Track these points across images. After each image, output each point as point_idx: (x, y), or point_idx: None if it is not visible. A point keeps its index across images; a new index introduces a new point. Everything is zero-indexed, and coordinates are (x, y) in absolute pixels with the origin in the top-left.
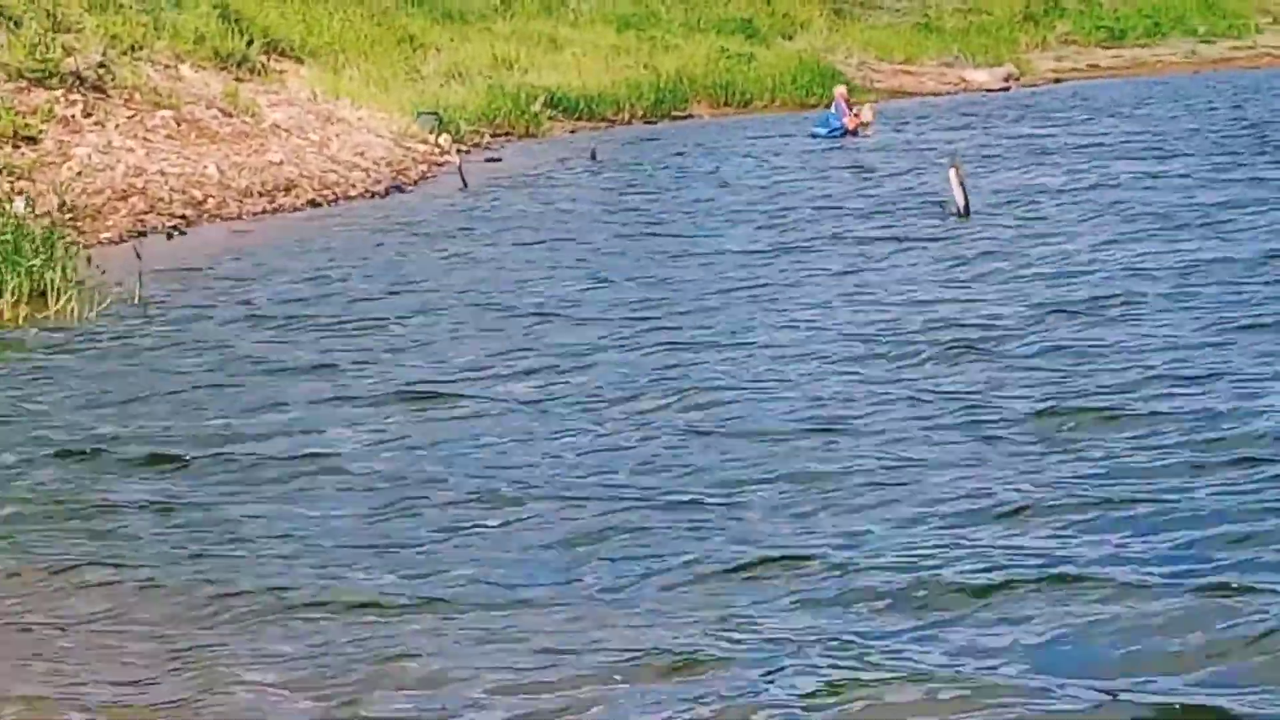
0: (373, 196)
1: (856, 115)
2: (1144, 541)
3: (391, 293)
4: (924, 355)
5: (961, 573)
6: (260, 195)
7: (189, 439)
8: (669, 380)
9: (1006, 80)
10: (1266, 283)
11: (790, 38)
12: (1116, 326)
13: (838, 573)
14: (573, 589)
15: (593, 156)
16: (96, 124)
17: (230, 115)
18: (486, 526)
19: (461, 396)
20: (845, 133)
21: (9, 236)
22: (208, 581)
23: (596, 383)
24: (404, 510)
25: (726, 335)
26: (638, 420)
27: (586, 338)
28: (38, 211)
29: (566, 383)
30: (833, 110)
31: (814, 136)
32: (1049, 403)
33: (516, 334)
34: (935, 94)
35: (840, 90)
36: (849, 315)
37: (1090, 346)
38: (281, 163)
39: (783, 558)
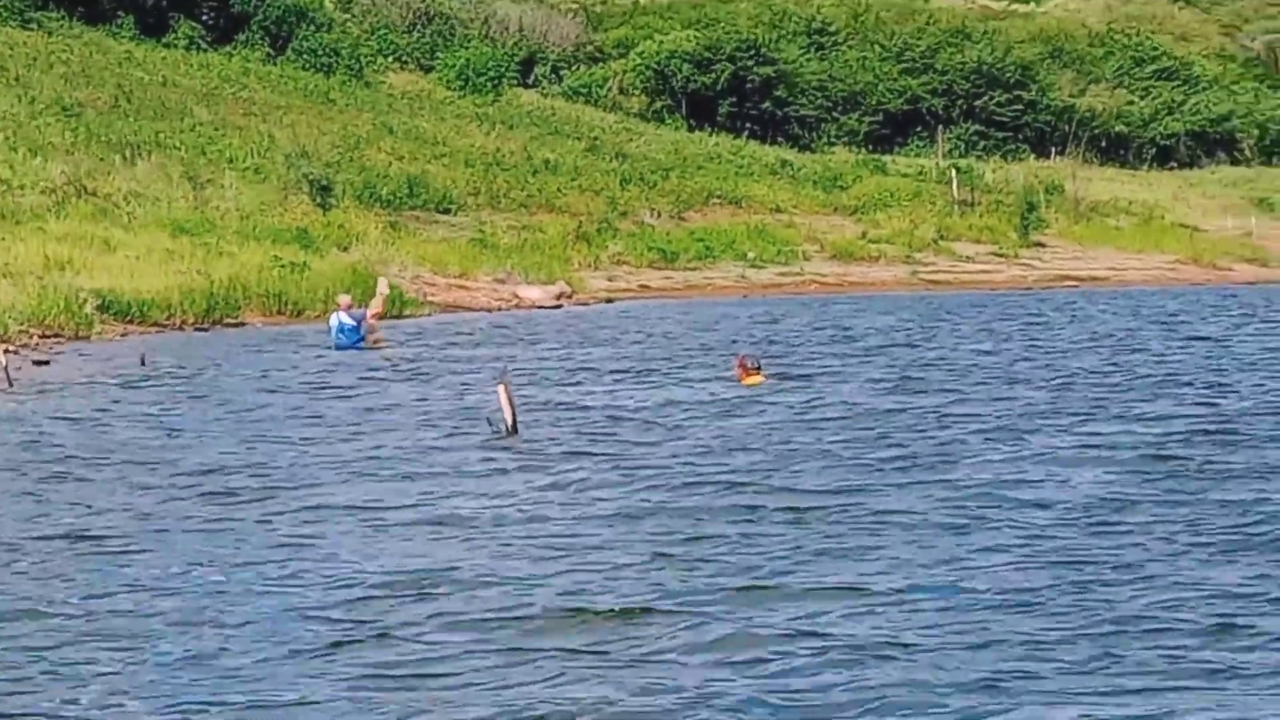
0: None
1: (375, 311)
2: None
3: None
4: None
5: None
6: None
7: None
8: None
9: (559, 298)
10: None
11: (346, 248)
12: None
13: None
14: None
15: (141, 362)
16: None
17: None
18: None
19: None
20: (364, 339)
21: None
22: None
23: None
24: None
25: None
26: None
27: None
28: None
29: None
30: (339, 319)
31: (339, 346)
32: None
33: None
34: (489, 309)
35: (344, 299)
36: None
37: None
38: None
39: None
